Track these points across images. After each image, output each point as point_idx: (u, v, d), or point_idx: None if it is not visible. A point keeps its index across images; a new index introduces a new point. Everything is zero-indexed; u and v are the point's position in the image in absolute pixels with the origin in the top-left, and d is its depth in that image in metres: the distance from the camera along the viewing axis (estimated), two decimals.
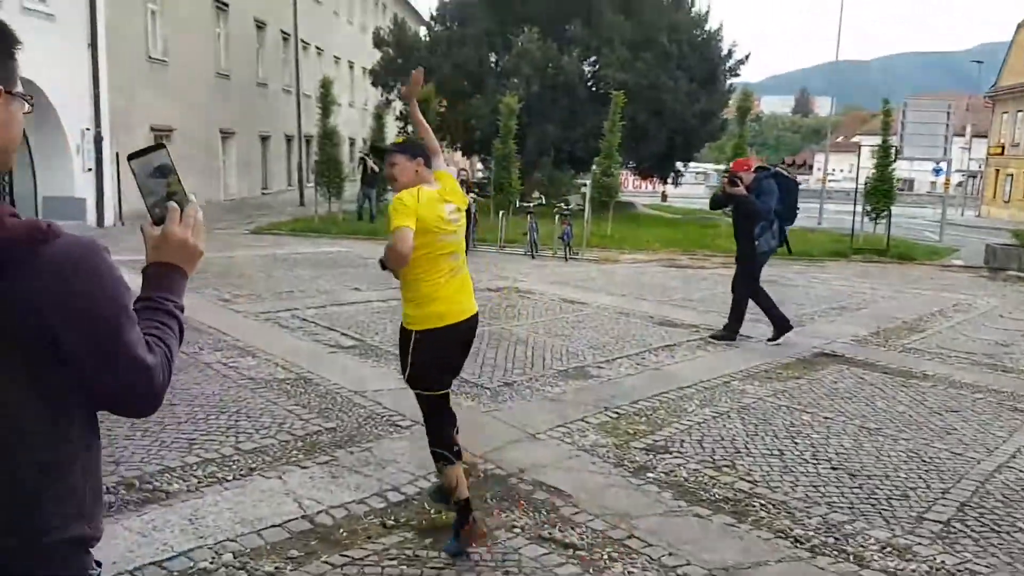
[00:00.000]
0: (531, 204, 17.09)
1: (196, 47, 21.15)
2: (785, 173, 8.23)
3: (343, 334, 7.56)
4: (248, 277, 10.89)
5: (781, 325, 7.83)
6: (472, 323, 3.54)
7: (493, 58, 29.70)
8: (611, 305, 9.82)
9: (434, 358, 3.41)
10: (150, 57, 18.65)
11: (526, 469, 4.39)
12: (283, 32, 28.42)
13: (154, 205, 1.46)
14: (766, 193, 7.61)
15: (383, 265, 3.36)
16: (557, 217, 15.19)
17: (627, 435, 5.05)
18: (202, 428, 4.83)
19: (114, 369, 1.28)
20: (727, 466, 4.62)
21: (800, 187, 8.68)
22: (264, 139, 26.79)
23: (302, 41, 30.18)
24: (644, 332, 8.24)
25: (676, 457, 4.72)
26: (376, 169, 19.61)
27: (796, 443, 5.06)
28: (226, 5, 23.08)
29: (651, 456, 4.70)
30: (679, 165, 31.82)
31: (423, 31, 31.31)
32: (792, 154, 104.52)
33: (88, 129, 15.79)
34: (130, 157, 1.45)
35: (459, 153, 39.02)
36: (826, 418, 5.60)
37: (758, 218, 7.62)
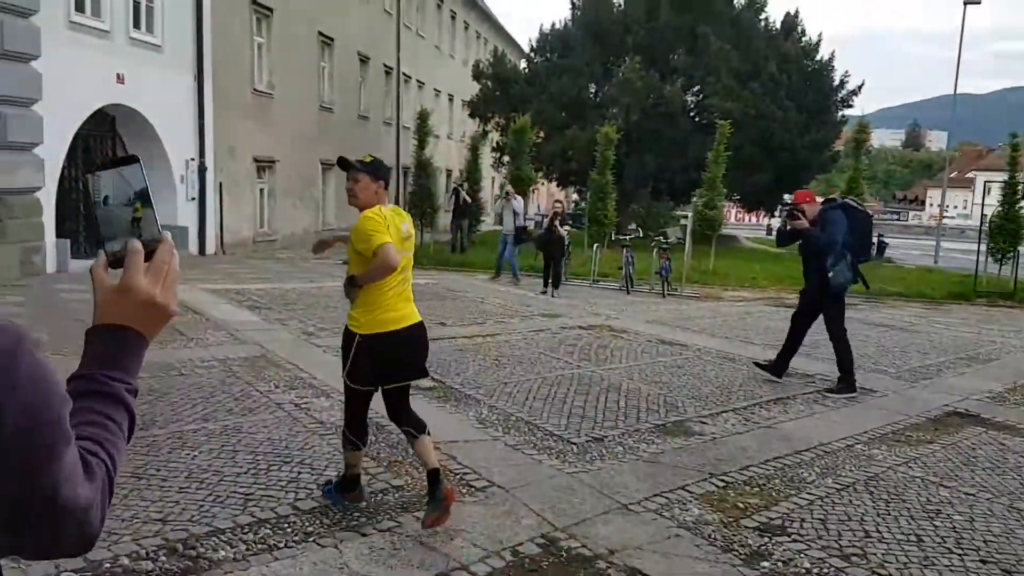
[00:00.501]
0: (627, 237, 16.44)
1: (301, 80, 21.58)
2: (855, 204, 7.48)
3: None
4: (335, 309, 10.67)
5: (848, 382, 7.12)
6: (415, 330, 3.97)
7: (592, 88, 29.38)
8: (714, 348, 9.07)
9: (372, 359, 3.85)
10: (255, 89, 19.07)
11: (616, 551, 3.77)
12: (386, 66, 28.86)
13: (111, 239, 1.04)
14: (831, 224, 7.04)
15: (352, 284, 3.76)
16: (655, 250, 14.51)
17: (736, 510, 4.35)
18: (262, 481, 4.42)
19: (31, 519, 0.87)
20: (857, 555, 3.88)
21: (874, 218, 7.89)
22: None
23: (404, 75, 30.63)
24: (752, 381, 7.47)
25: (795, 541, 4.00)
26: (469, 200, 19.41)
27: (936, 526, 4.26)
28: (331, 39, 23.54)
29: (766, 539, 4.00)
30: (787, 197, 30.52)
31: (523, 63, 31.23)
32: (903, 189, 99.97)
33: (192, 159, 16.15)
34: (91, 170, 1.05)
35: (554, 184, 38.80)
36: (967, 494, 4.76)
37: (825, 251, 7.01)
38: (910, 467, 5.22)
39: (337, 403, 6.02)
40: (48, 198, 11.93)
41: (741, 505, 4.43)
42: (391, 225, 3.76)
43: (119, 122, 14.71)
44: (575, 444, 5.35)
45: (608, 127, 18.93)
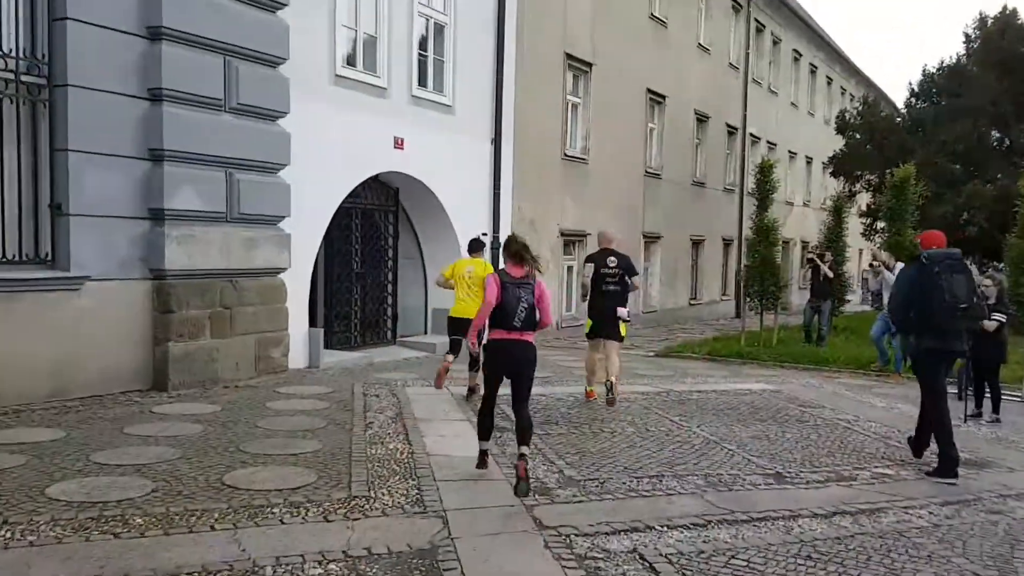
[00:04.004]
0: None
1: (623, 143, 18.90)
2: None
3: None
4: (610, 435, 7.21)
5: None
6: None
7: (996, 134, 22.88)
8: None
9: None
10: (566, 155, 16.70)
11: None
12: (729, 125, 25.33)
13: None
14: None
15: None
16: None
17: None
18: None
19: None
20: None
21: None
22: (696, 243, 23.54)
23: (751, 135, 26.81)
24: None
25: None
26: (831, 275, 14.86)
27: None
28: (662, 97, 20.70)
29: None
30: None
31: (902, 109, 25.54)
32: None
33: (485, 234, 13.96)
34: None
35: None
36: None
37: None
38: None
39: None
40: (300, 280, 10.22)
41: None
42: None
43: (402, 194, 13.01)
44: None
45: None
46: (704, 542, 4.66)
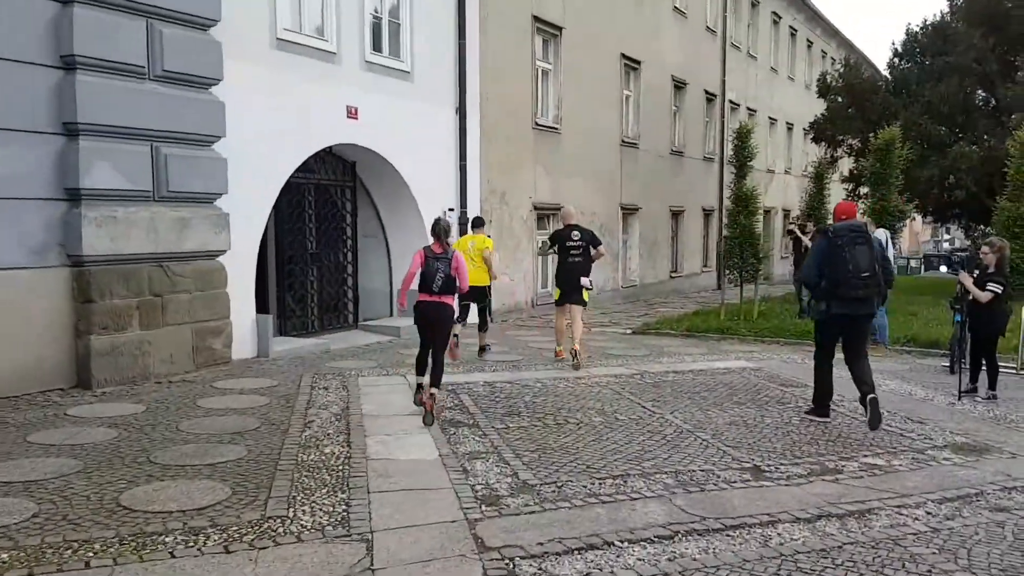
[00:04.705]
0: None
1: (597, 112, 18.10)
2: None
3: None
4: (575, 426, 6.55)
5: None
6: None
7: (981, 94, 22.24)
8: None
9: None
10: (537, 124, 15.91)
11: None
12: (707, 92, 24.57)
13: None
14: None
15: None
16: None
17: None
18: None
19: None
20: None
21: None
22: (676, 214, 22.84)
23: (731, 102, 26.07)
24: None
25: None
26: (810, 245, 14.22)
27: None
28: (637, 63, 19.88)
29: None
30: None
31: (884, 71, 24.82)
32: None
33: (450, 209, 13.23)
34: None
35: (918, 221, 30.93)
36: None
37: None
38: None
39: None
40: (244, 263, 9.46)
41: None
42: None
43: (359, 167, 12.22)
44: None
45: None
46: (669, 560, 4.02)
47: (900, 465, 5.79)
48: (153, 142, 8.14)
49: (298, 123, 10.13)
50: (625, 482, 5.20)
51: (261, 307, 10.17)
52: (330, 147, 11.18)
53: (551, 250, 9.90)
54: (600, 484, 5.14)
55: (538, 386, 8.37)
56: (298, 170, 10.49)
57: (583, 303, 9.62)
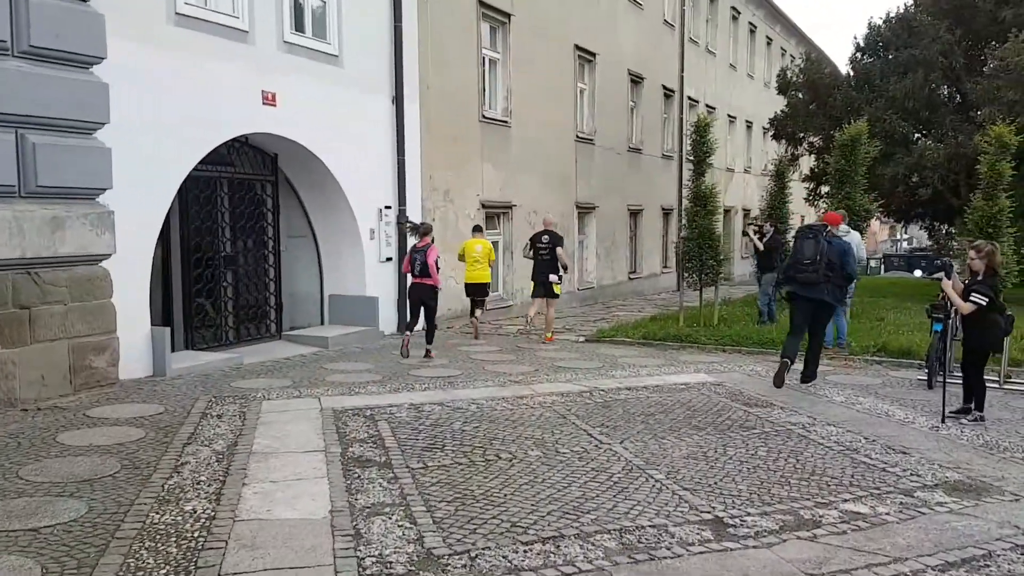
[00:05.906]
0: None
1: (550, 105, 17.08)
2: None
3: None
4: (507, 463, 5.49)
5: None
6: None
7: (946, 89, 21.71)
8: None
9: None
10: (485, 116, 14.85)
11: None
12: (665, 88, 23.73)
13: None
14: None
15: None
16: None
17: None
18: None
19: None
20: None
21: None
22: (634, 213, 21.94)
23: (689, 98, 25.27)
24: None
25: None
26: (761, 247, 13.50)
27: None
28: (592, 55, 18.92)
29: None
30: None
31: (847, 67, 24.20)
32: None
33: (387, 207, 12.11)
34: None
35: (876, 222, 30.29)
36: None
37: None
38: None
39: None
40: (136, 269, 8.26)
41: None
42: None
43: (281, 160, 11.05)
44: None
45: (1001, 126, 11.85)
46: None
47: (887, 514, 4.83)
48: (18, 129, 6.92)
49: (203, 109, 8.95)
50: (557, 547, 4.17)
51: (165, 318, 8.97)
52: (245, 136, 10.02)
53: (529, 252, 11.79)
54: (525, 553, 4.10)
55: (472, 408, 7.32)
56: (206, 162, 9.32)
57: (555, 295, 11.75)
